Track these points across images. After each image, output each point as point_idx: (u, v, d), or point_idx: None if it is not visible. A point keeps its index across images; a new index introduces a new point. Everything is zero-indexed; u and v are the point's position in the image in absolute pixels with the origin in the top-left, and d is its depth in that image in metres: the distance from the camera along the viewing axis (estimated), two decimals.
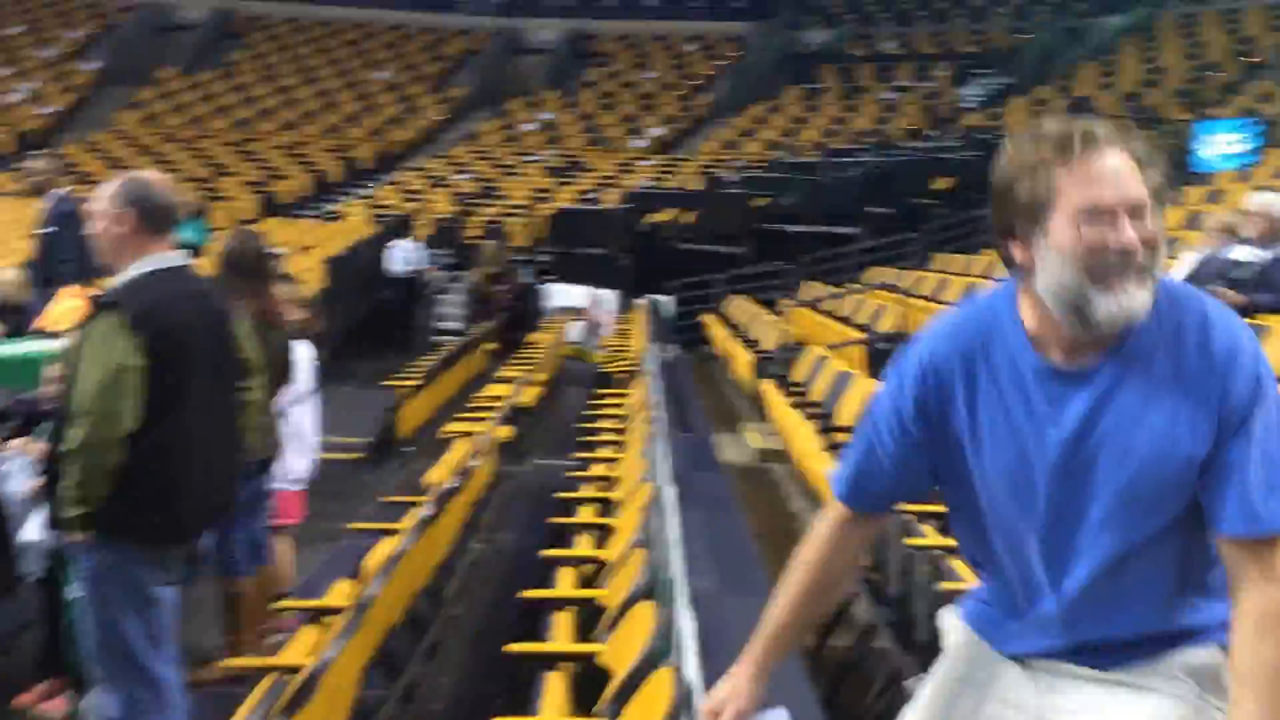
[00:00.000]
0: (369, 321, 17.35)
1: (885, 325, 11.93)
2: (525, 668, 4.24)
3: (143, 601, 3.58)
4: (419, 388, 10.91)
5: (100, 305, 3.58)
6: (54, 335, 8.75)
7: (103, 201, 3.68)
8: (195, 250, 13.54)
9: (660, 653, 3.53)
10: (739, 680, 2.08)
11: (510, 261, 17.81)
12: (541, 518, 6.39)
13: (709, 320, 16.39)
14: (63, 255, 8.44)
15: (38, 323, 9.00)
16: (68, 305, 8.88)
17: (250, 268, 5.06)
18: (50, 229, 8.55)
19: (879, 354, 9.83)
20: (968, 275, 13.71)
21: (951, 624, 2.12)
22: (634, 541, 4.65)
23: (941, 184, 20.28)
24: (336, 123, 27.89)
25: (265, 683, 3.21)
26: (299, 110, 28.21)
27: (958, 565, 4.08)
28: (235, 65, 30.26)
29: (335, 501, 7.65)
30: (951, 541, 3.89)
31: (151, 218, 3.65)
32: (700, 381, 13.20)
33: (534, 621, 4.64)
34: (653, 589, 4.00)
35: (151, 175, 3.90)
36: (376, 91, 29.70)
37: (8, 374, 6.67)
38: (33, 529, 4.44)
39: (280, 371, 5.17)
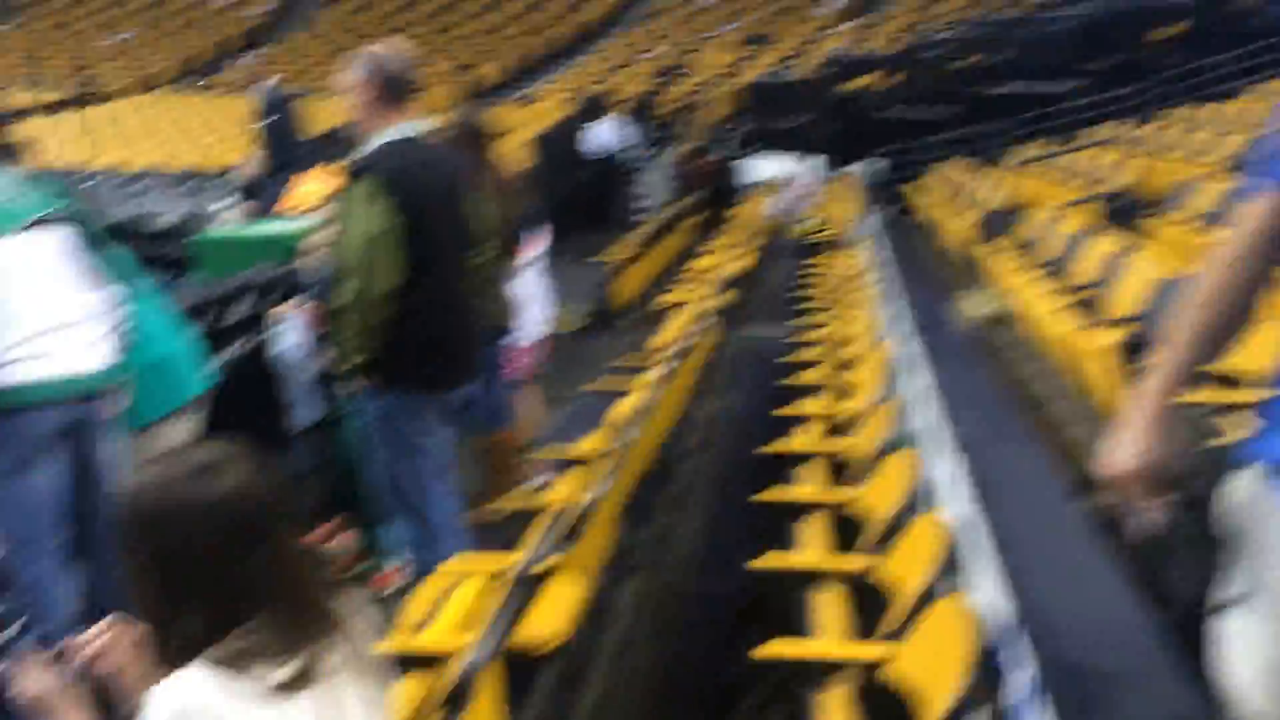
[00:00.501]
0: (570, 202, 17.55)
1: (1123, 180, 11.40)
2: (771, 518, 4.31)
3: (417, 443, 3.81)
4: (630, 262, 11.02)
5: (355, 172, 3.74)
6: (300, 215, 9.19)
7: (349, 76, 3.82)
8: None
9: (922, 498, 3.53)
10: (1138, 431, 1.89)
11: (709, 136, 17.67)
12: (766, 381, 6.43)
13: (914, 187, 15.98)
14: (283, 142, 8.78)
15: (280, 204, 9.45)
16: (308, 187, 9.29)
17: (475, 140, 5.17)
18: (269, 119, 8.88)
19: (1120, 210, 9.41)
20: (1214, 125, 12.96)
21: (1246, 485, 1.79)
22: (878, 396, 4.64)
23: (1169, 31, 19.04)
24: (529, 7, 27.93)
25: (541, 521, 3.35)
26: None
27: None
28: None
29: (558, 370, 7.87)
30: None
31: (392, 88, 3.79)
32: (908, 249, 12.94)
33: (771, 477, 4.70)
34: (906, 439, 4.00)
35: (391, 48, 4.00)
36: None
37: (264, 251, 7.09)
38: (304, 383, 4.72)
39: (511, 238, 5.33)
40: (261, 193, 8.47)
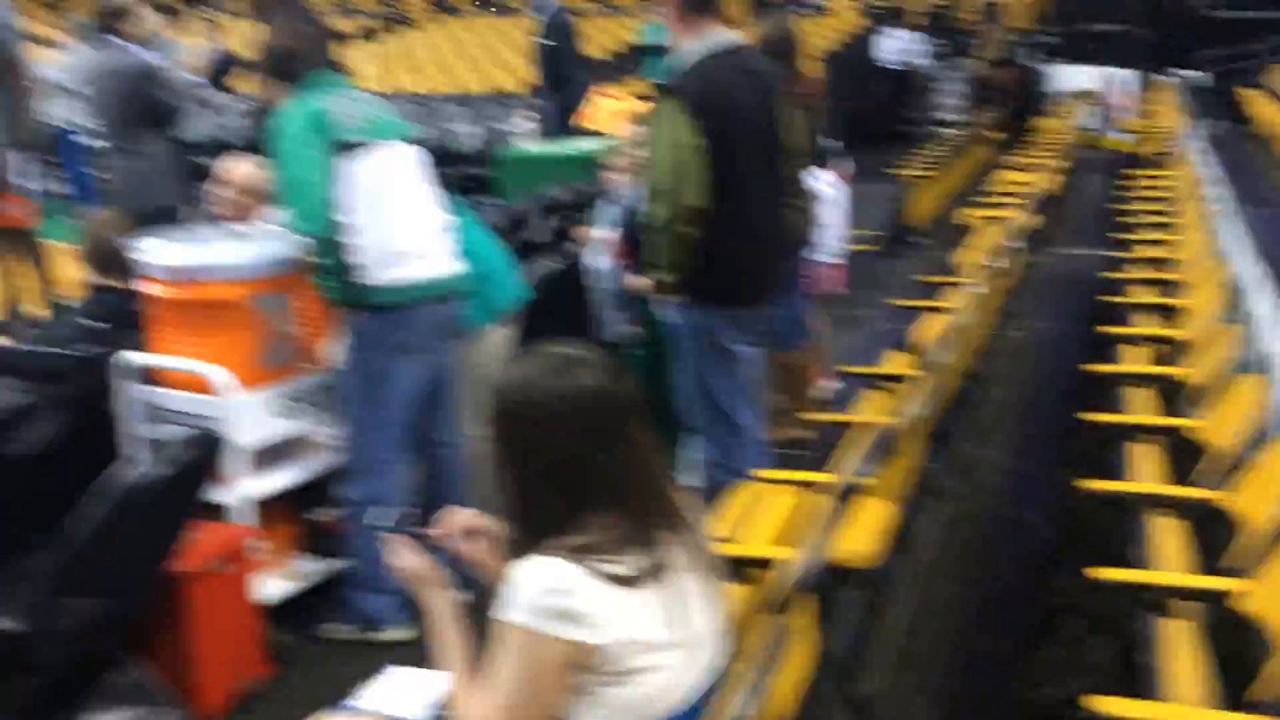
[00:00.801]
0: (862, 116, 17.09)
1: None
2: (1086, 444, 4.08)
3: (726, 357, 3.82)
4: (927, 178, 10.64)
5: (663, 91, 3.73)
6: (595, 134, 9.34)
7: None
8: (664, 51, 13.84)
9: (1273, 427, 3.24)
10: None
11: (1011, 44, 16.78)
12: (1080, 305, 6.08)
13: (1250, 94, 14.66)
14: (563, 62, 8.84)
15: (575, 120, 9.61)
16: (607, 106, 9.41)
17: (784, 51, 5.04)
18: (548, 41, 8.95)
19: None
20: None
21: None
22: (1219, 319, 4.29)
23: None
24: None
25: (856, 439, 3.26)
26: None
27: None
28: None
29: (852, 288, 7.71)
30: None
31: (694, 1, 3.70)
32: (1243, 163, 11.92)
33: (1087, 403, 4.43)
34: (1254, 364, 3.67)
35: None
36: None
37: (565, 170, 7.25)
38: (611, 300, 4.79)
39: (814, 153, 5.21)
40: (542, 113, 8.61)
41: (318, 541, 4.11)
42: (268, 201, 4.17)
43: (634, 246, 4.63)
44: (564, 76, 8.85)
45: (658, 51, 13.25)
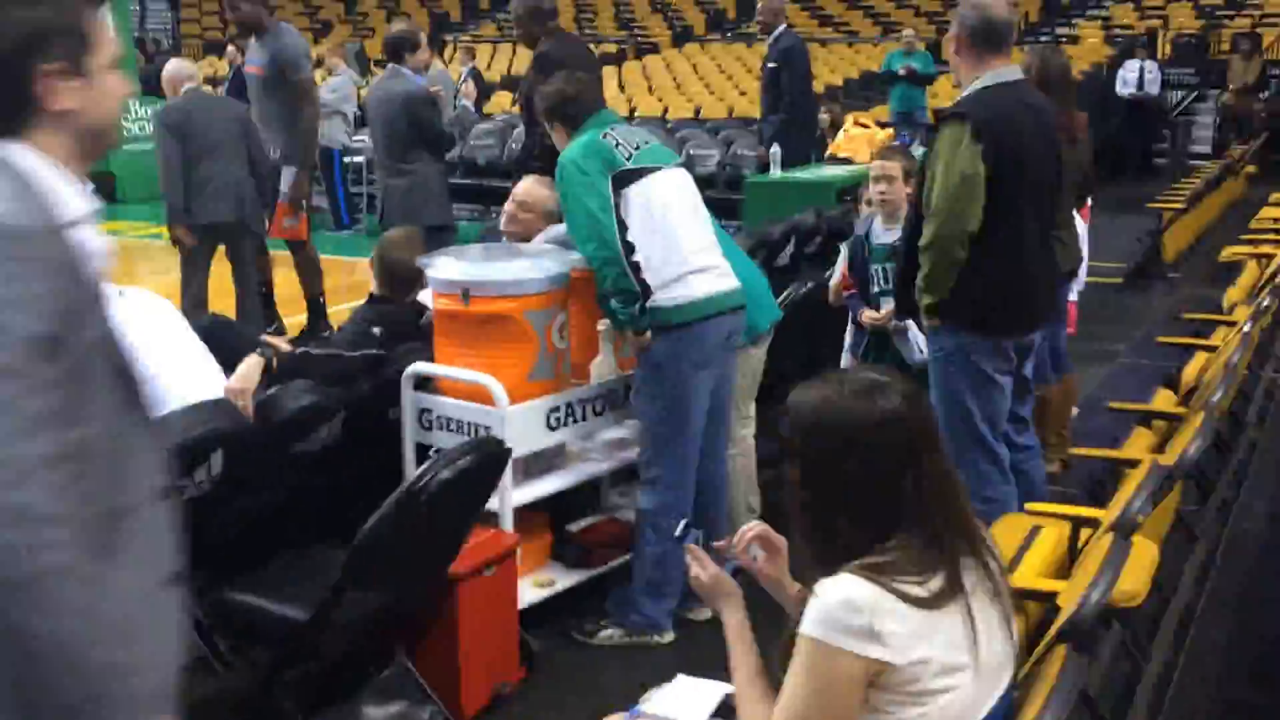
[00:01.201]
0: (1108, 149, 16.55)
1: None
2: None
3: (983, 383, 3.83)
4: (1180, 212, 10.24)
5: (946, 117, 3.81)
6: (844, 160, 9.37)
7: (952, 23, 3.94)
8: (929, 80, 13.75)
9: None
10: None
11: (1265, 75, 15.96)
12: None
13: None
14: (791, 88, 8.85)
15: (832, 149, 9.68)
16: (857, 134, 9.45)
17: (1056, 83, 4.99)
18: (772, 65, 9.00)
19: None
20: None
21: None
22: None
23: None
24: None
25: (1137, 472, 3.21)
26: None
27: None
28: None
29: (1098, 323, 7.50)
30: None
31: (981, 36, 3.79)
32: None
33: None
34: None
35: None
36: None
37: (811, 196, 7.33)
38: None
39: (1082, 187, 5.14)
40: (779, 140, 8.66)
41: (566, 550, 4.30)
42: (552, 219, 4.39)
43: (862, 279, 4.70)
44: (792, 102, 8.90)
45: (900, 79, 13.19)
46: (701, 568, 2.09)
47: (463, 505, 3.33)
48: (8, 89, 1.62)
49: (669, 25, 25.10)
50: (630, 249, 3.78)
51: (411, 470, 3.99)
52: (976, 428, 3.83)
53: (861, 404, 1.83)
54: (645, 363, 3.91)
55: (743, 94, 17.28)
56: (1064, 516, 3.15)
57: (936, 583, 1.78)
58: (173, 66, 7.15)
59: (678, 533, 2.14)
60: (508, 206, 4.58)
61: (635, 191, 3.82)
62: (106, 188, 13.10)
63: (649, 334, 3.83)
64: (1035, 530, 3.15)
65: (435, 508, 3.13)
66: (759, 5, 9.05)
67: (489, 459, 3.33)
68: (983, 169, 3.67)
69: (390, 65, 6.68)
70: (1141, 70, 16.84)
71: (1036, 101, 3.96)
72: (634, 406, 4.05)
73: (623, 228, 3.79)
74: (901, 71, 13.07)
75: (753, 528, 2.15)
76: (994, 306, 3.79)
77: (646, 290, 3.80)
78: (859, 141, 9.52)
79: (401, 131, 6.42)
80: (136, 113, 13.54)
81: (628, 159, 3.85)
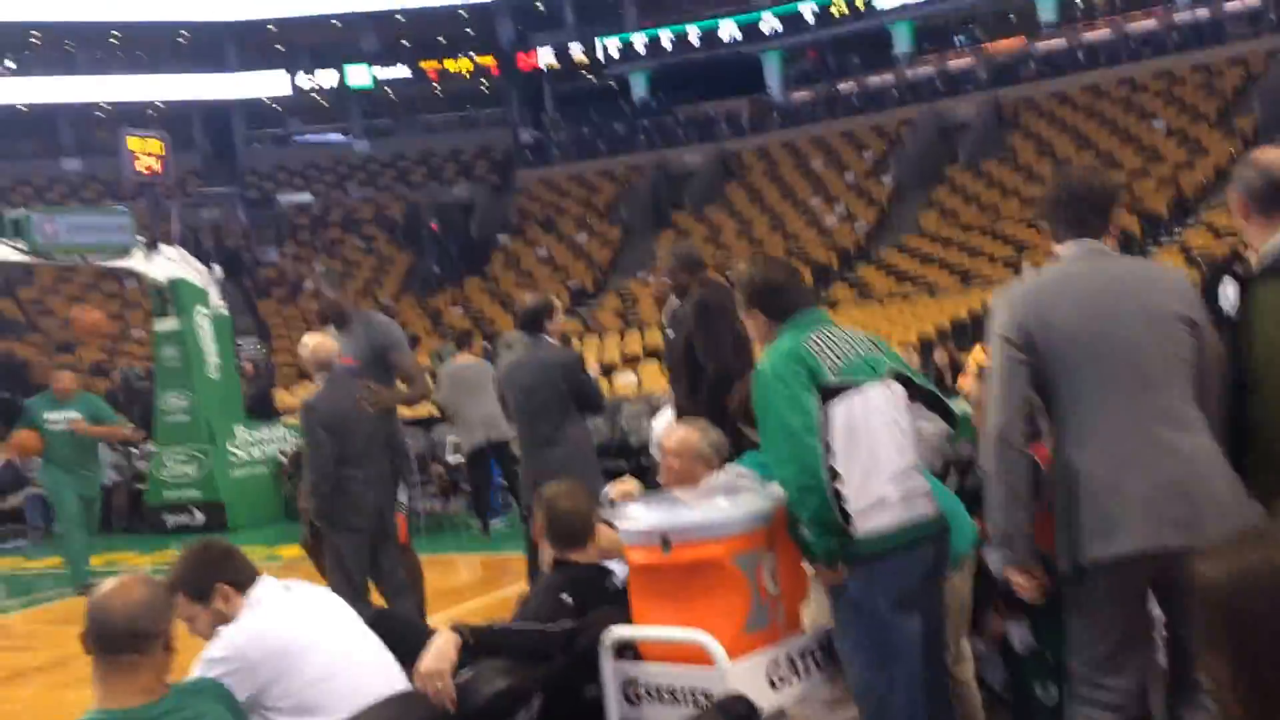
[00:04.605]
0: None
1: None
2: None
3: None
4: None
5: (1265, 273, 3.37)
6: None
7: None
8: None
9: None
10: None
11: None
12: None
13: None
14: None
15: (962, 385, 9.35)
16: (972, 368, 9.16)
17: None
18: None
19: None
20: None
21: None
22: None
23: None
24: (1124, 181, 26.93)
25: None
26: None
27: None
28: (1013, 150, 30.56)
29: None
30: None
31: (1268, 198, 3.39)
32: None
33: None
34: None
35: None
36: (1157, 141, 28.37)
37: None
38: None
39: None
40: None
41: None
42: (710, 465, 4.08)
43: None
44: None
45: None
46: None
47: None
48: None
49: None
50: (833, 475, 3.40)
51: None
52: None
53: None
54: (842, 603, 3.48)
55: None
56: None
57: None
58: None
59: None
60: (663, 458, 4.29)
61: (840, 410, 3.46)
62: (219, 518, 13.04)
63: (842, 568, 3.41)
64: None
65: None
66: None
67: None
68: None
69: (530, 335, 6.57)
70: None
71: None
72: (840, 655, 3.59)
73: (826, 449, 3.41)
74: None
75: None
76: None
77: (848, 521, 3.40)
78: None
79: (559, 398, 6.26)
80: (243, 437, 13.59)
81: (835, 373, 3.49)
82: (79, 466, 9.61)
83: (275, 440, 13.79)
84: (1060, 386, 3.23)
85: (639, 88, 38.25)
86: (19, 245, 12.11)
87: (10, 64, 38.02)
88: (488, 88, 41.01)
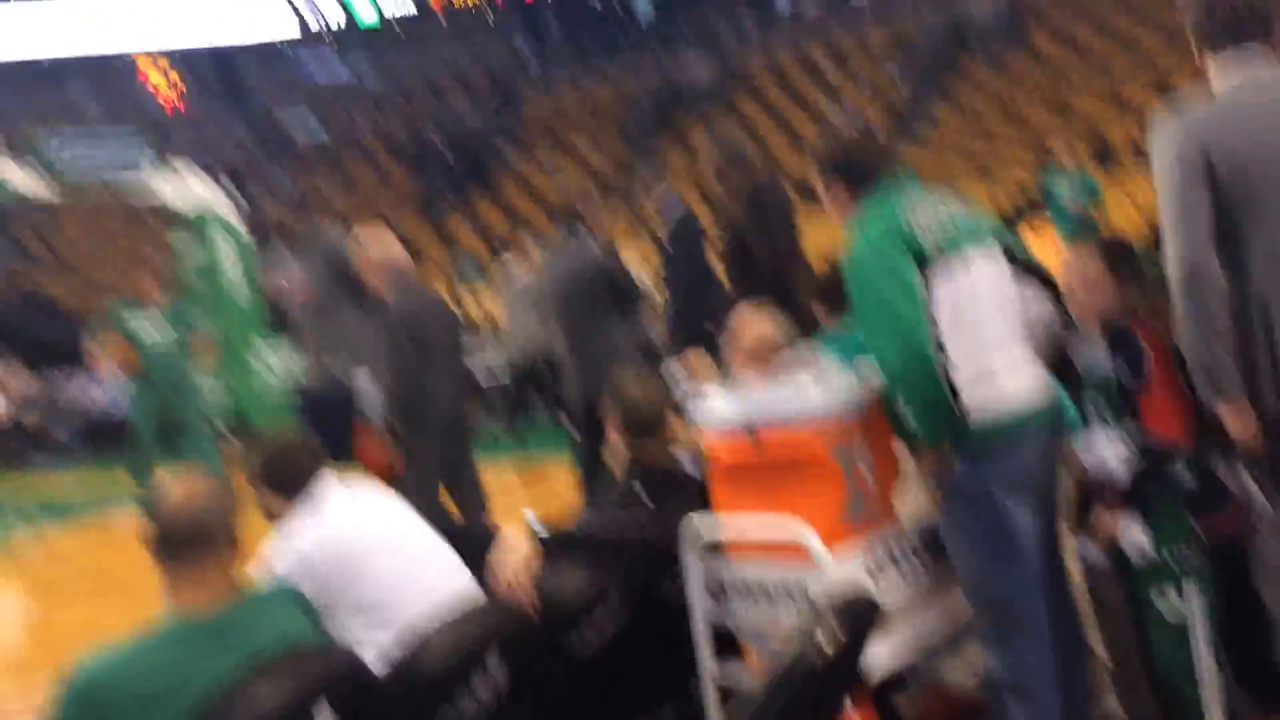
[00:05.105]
0: None
1: None
2: None
3: None
4: None
5: None
6: None
7: None
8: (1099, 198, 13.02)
9: None
10: None
11: None
12: None
13: None
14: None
15: None
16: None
17: None
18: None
19: None
20: None
21: None
22: None
23: None
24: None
25: None
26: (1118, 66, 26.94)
27: None
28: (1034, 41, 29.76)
29: None
30: None
31: None
32: None
33: None
34: None
35: None
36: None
37: None
38: None
39: None
40: None
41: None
42: (779, 349, 3.81)
43: None
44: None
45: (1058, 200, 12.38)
46: None
47: (830, 686, 2.64)
48: None
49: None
50: (937, 352, 3.06)
51: (706, 655, 3.30)
52: None
53: None
54: (952, 492, 3.18)
55: None
56: None
57: None
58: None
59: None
60: (731, 352, 4.02)
61: (945, 283, 3.11)
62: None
63: (951, 454, 3.11)
64: None
65: (802, 693, 2.45)
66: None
67: (854, 625, 2.64)
68: None
69: (567, 231, 6.37)
70: None
71: None
72: (950, 550, 3.30)
73: (930, 326, 3.07)
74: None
75: None
76: None
77: (957, 398, 3.08)
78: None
79: (595, 300, 6.08)
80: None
81: (936, 242, 3.13)
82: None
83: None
84: (1245, 216, 2.96)
85: (643, 4, 37.63)
86: (34, 164, 11.88)
87: None
88: (494, 21, 41.09)
